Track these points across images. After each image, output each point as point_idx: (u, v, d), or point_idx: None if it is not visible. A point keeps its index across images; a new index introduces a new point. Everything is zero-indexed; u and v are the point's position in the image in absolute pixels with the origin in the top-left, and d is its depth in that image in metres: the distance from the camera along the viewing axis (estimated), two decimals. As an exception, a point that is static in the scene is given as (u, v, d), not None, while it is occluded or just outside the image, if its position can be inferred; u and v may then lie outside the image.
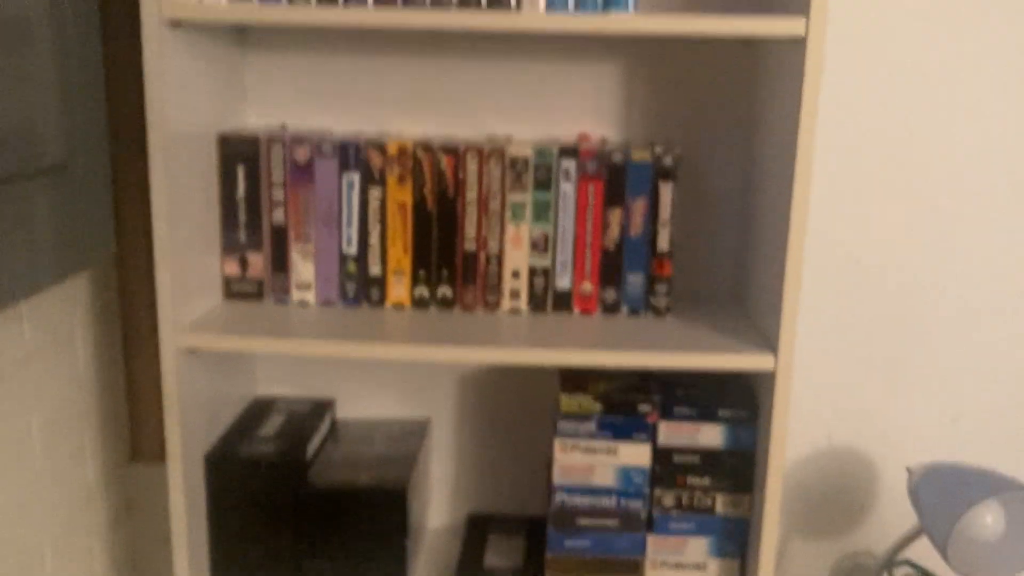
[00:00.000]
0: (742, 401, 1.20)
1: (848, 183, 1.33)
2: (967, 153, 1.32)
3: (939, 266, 1.36)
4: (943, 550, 1.14)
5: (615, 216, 1.21)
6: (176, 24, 1.07)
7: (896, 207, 1.34)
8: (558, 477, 1.21)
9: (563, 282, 1.23)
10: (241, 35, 1.30)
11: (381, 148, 1.21)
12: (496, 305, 1.24)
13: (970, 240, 1.35)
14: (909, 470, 1.25)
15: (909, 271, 1.36)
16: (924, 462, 1.26)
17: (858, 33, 1.29)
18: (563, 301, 1.24)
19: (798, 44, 1.04)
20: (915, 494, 1.23)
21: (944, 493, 1.20)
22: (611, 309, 1.24)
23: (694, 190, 1.33)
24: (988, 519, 1.17)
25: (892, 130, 1.32)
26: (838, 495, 1.43)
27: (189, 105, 1.13)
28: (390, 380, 1.41)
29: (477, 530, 1.39)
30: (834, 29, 1.29)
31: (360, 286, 1.25)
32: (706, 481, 1.20)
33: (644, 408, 1.20)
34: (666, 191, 1.20)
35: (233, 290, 1.26)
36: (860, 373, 1.39)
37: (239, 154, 1.22)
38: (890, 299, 1.37)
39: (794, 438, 1.41)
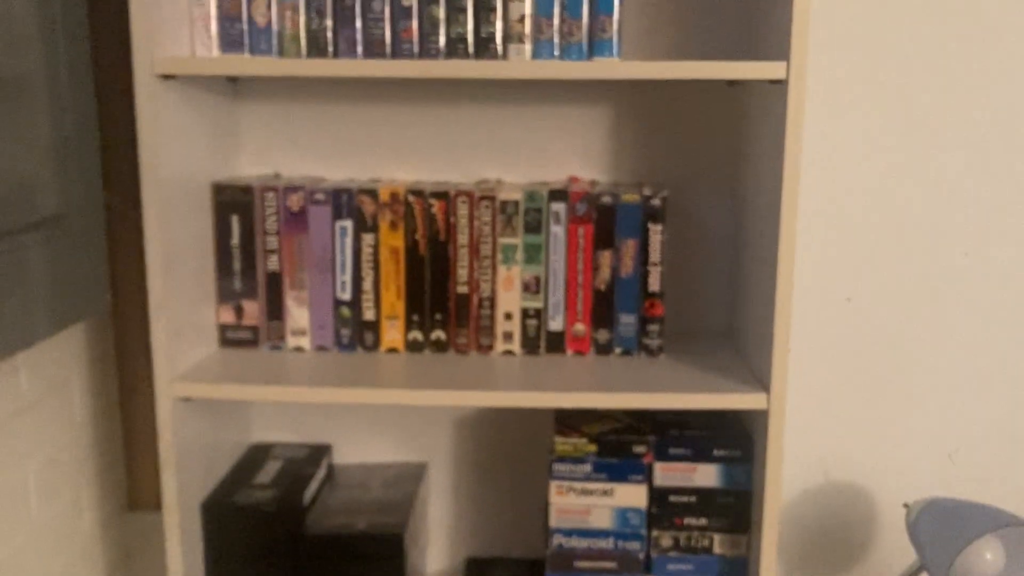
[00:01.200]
0: (736, 440, 1.20)
1: (838, 222, 1.35)
2: (956, 189, 1.33)
3: (932, 302, 1.36)
4: (942, 587, 1.13)
5: (605, 257, 1.22)
6: (168, 77, 1.09)
7: (887, 245, 1.35)
8: (555, 520, 1.20)
9: (556, 323, 1.24)
10: (234, 85, 1.32)
11: (373, 195, 1.22)
12: (490, 347, 1.25)
13: (963, 275, 1.36)
14: (907, 506, 1.25)
15: (902, 308, 1.37)
16: (922, 498, 1.26)
17: (844, 71, 1.31)
18: (556, 342, 1.25)
19: (780, 86, 1.06)
20: (914, 530, 1.22)
21: (943, 529, 1.20)
22: (604, 350, 1.24)
23: (684, 229, 1.34)
24: (988, 555, 1.17)
25: (882, 167, 1.33)
26: (836, 532, 1.43)
27: (183, 155, 1.15)
28: (387, 424, 1.41)
29: (476, 574, 1.38)
30: (820, 68, 1.31)
31: (354, 331, 1.26)
32: (703, 521, 1.20)
33: (639, 449, 1.20)
34: (655, 232, 1.21)
35: (228, 338, 1.27)
36: (856, 409, 1.40)
37: (233, 202, 1.24)
38: (884, 336, 1.38)
39: (791, 475, 1.41)
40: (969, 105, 1.31)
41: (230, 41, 1.15)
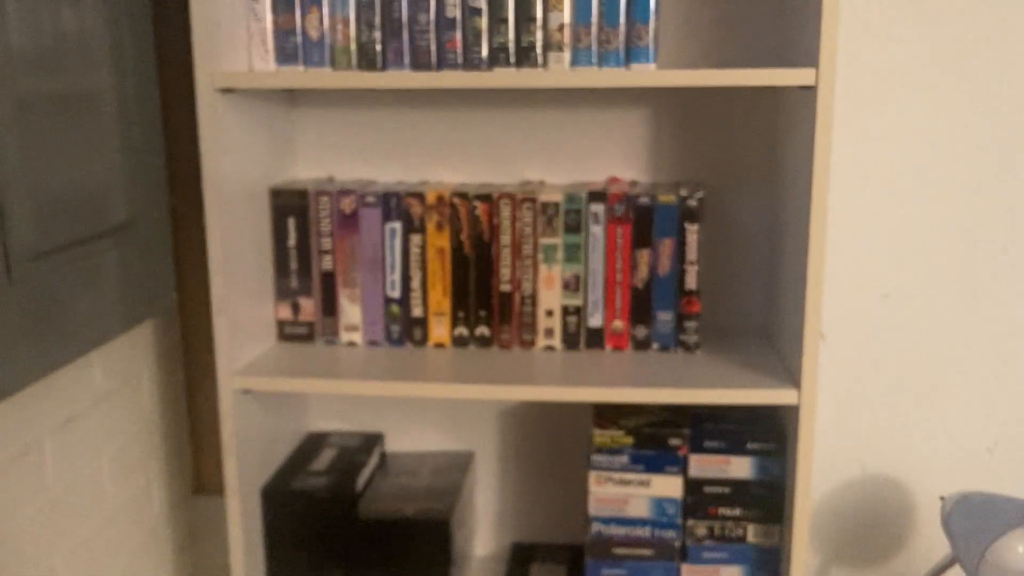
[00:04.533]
0: (770, 433, 1.24)
1: (876, 220, 1.37)
2: (991, 184, 1.35)
3: (970, 297, 1.38)
4: (973, 579, 1.16)
5: (643, 256, 1.27)
6: (228, 91, 1.16)
7: (923, 242, 1.37)
8: (593, 508, 1.26)
9: (595, 320, 1.29)
10: (290, 95, 1.39)
11: (420, 197, 1.28)
12: (532, 343, 1.30)
13: (1000, 270, 1.37)
14: (943, 499, 1.27)
15: (939, 303, 1.38)
16: (958, 491, 1.28)
17: (879, 70, 1.32)
18: (595, 338, 1.29)
19: (810, 92, 1.09)
20: (948, 523, 1.25)
21: (976, 521, 1.22)
22: (642, 345, 1.29)
23: (723, 228, 1.37)
24: (1020, 548, 1.18)
25: (918, 165, 1.35)
26: (874, 525, 1.45)
27: (242, 163, 1.22)
28: (436, 414, 1.48)
29: (520, 559, 1.44)
30: (855, 67, 1.33)
31: (404, 327, 1.32)
32: (737, 511, 1.24)
33: (675, 442, 1.24)
34: (692, 232, 1.25)
35: (286, 333, 1.34)
36: (894, 403, 1.42)
37: (289, 206, 1.31)
38: (922, 330, 1.39)
39: (828, 467, 1.44)
40: (1004, 101, 1.32)
41: (285, 54, 1.21)
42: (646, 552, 1.26)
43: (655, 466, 1.24)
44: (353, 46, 1.20)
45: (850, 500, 1.45)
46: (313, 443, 1.45)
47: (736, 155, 1.36)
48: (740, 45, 1.32)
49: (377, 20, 1.19)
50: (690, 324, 1.28)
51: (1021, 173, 1.34)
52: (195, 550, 1.52)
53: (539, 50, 1.18)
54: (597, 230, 1.27)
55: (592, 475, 1.25)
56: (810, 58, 1.08)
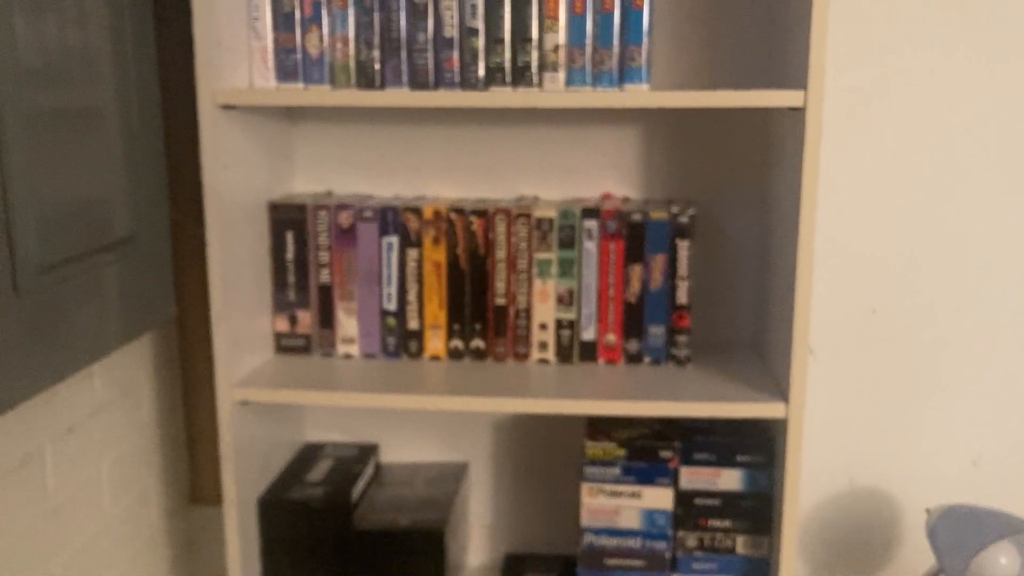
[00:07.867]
0: (759, 446, 1.26)
1: (865, 237, 1.39)
2: (978, 201, 1.37)
3: (956, 313, 1.41)
4: (957, 590, 1.18)
5: (636, 272, 1.29)
6: (229, 107, 1.19)
7: (911, 259, 1.40)
8: (585, 519, 1.28)
9: (588, 334, 1.31)
10: (290, 111, 1.41)
11: (417, 212, 1.31)
12: (526, 356, 1.33)
13: (986, 287, 1.40)
14: (928, 512, 1.30)
15: (926, 319, 1.41)
16: (943, 504, 1.30)
17: (868, 89, 1.35)
18: (588, 352, 1.32)
19: (799, 113, 1.12)
20: (933, 535, 1.27)
21: (960, 534, 1.24)
22: (634, 359, 1.31)
23: (714, 244, 1.40)
24: (1002, 560, 1.21)
25: (904, 182, 1.38)
26: (861, 537, 1.48)
27: (242, 177, 1.24)
28: (431, 426, 1.50)
29: (514, 569, 1.46)
30: (844, 86, 1.36)
31: (400, 340, 1.34)
32: (726, 523, 1.26)
33: (666, 454, 1.27)
34: (683, 248, 1.28)
35: (283, 345, 1.36)
36: (881, 417, 1.44)
37: (288, 220, 1.33)
38: (909, 346, 1.42)
39: (816, 480, 1.46)
40: (991, 117, 1.35)
41: (285, 71, 1.24)
42: (637, 563, 1.28)
43: (646, 478, 1.26)
44: (352, 64, 1.23)
45: (838, 512, 1.47)
46: (309, 454, 1.46)
47: (727, 173, 1.38)
48: (731, 66, 1.35)
49: (376, 39, 1.21)
50: (681, 338, 1.30)
51: (1008, 190, 1.37)
52: (192, 559, 1.54)
53: (535, 70, 1.20)
54: (591, 245, 1.29)
55: (584, 487, 1.27)
56: (799, 80, 1.11)
